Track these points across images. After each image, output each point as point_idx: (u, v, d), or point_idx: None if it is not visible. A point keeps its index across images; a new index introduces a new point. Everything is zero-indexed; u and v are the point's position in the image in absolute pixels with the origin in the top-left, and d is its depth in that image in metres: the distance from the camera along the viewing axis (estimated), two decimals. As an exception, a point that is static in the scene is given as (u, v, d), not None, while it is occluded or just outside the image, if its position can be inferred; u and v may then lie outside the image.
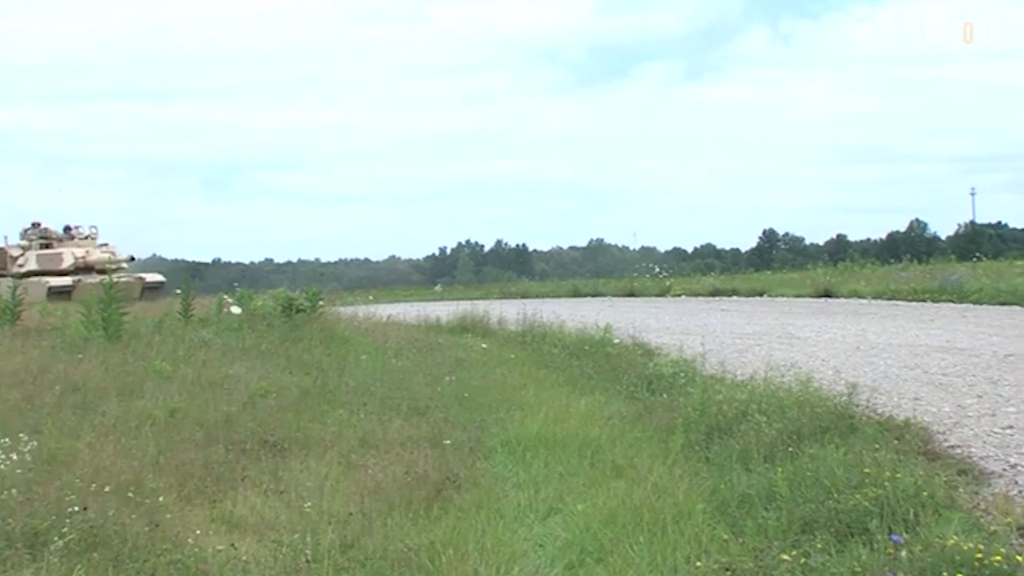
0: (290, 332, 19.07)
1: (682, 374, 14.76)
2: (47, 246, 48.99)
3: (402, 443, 11.04)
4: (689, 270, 66.63)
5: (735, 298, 35.22)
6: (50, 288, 44.20)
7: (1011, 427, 10.73)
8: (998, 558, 6.23)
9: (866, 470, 8.33)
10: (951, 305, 26.18)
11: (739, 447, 10.04)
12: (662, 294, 40.09)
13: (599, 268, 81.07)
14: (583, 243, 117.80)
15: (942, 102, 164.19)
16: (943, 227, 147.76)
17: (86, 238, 50.30)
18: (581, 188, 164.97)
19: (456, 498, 9.15)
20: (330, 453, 10.60)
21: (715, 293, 37.76)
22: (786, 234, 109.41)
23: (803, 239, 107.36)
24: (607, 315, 26.02)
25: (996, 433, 10.54)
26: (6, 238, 50.24)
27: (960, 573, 6.11)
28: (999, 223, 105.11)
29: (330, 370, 15.48)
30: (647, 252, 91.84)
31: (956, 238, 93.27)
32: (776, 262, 70.35)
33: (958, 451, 9.90)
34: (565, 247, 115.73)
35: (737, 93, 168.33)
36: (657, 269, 47.78)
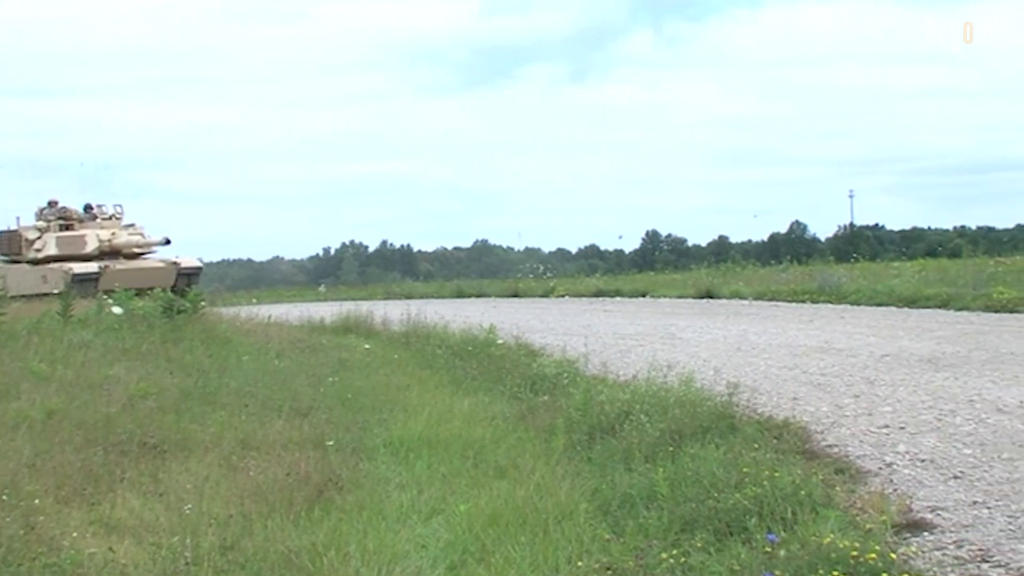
0: (171, 333, 18.84)
1: (565, 374, 14.81)
2: (67, 227, 43.00)
3: (284, 444, 10.96)
4: (573, 271, 66.99)
5: (618, 299, 35.44)
6: (74, 276, 38.77)
7: (887, 426, 10.91)
8: (873, 556, 6.33)
9: (745, 469, 8.44)
10: (830, 306, 26.56)
11: (621, 447, 10.11)
12: (546, 295, 40.22)
13: (484, 269, 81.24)
14: (468, 244, 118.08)
15: (822, 105, 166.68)
16: (823, 229, 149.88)
17: (110, 218, 44.32)
18: (466, 189, 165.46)
19: (338, 499, 9.10)
20: (210, 455, 10.49)
21: (599, 294, 37.94)
22: (669, 235, 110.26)
23: (686, 240, 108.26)
24: (491, 316, 26.07)
25: (872, 432, 10.72)
26: (18, 219, 44.23)
27: (836, 570, 6.20)
28: (876, 225, 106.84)
29: (211, 371, 15.32)
30: (532, 253, 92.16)
31: (835, 240, 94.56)
32: (659, 263, 70.81)
33: (835, 450, 10.05)
34: (450, 248, 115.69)
35: (621, 95, 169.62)
36: (542, 269, 47.91)
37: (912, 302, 24.85)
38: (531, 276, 46.56)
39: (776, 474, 8.20)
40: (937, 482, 8.72)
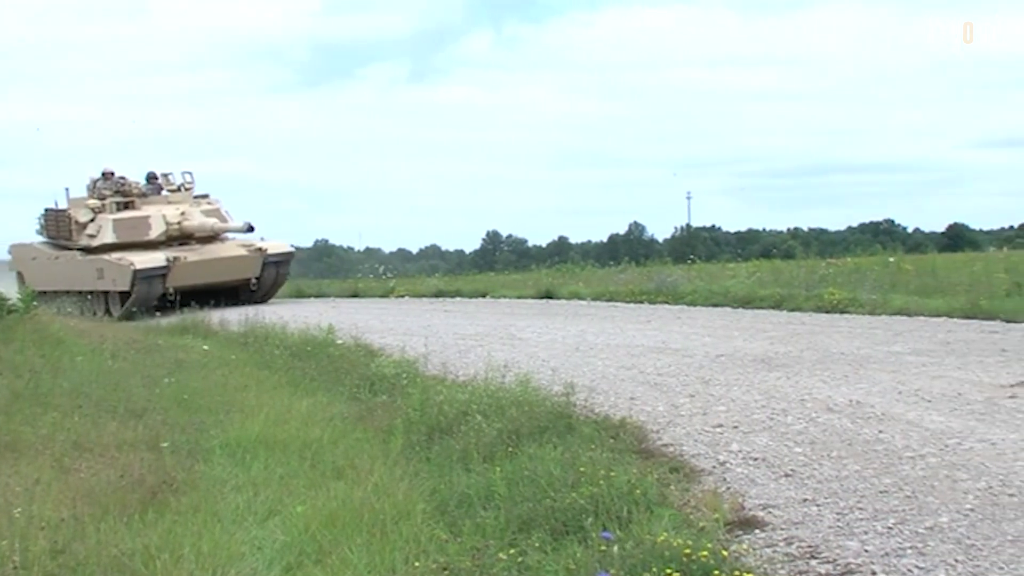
0: (1, 333, 18.41)
1: (404, 375, 14.79)
2: (126, 205, 34.82)
3: (117, 446, 10.78)
4: (414, 271, 66.82)
5: (459, 299, 35.42)
6: (136, 272, 31.76)
7: (721, 425, 11.08)
8: (705, 553, 6.43)
9: (582, 469, 8.51)
10: (667, 306, 26.85)
11: (459, 447, 10.13)
12: (386, 295, 40.04)
13: (325, 269, 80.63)
14: (309, 244, 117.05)
15: (660, 107, 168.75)
16: (661, 230, 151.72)
17: (178, 189, 36.26)
18: (306, 188, 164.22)
19: (173, 502, 8.98)
20: (42, 457, 10.27)
21: (439, 294, 37.89)
22: (509, 236, 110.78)
23: (526, 241, 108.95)
24: (331, 316, 25.91)
25: (707, 431, 10.88)
26: (68, 191, 36.22)
27: (669, 568, 6.29)
28: (713, 226, 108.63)
29: (43, 372, 14.99)
30: (372, 253, 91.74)
31: (673, 241, 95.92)
32: (500, 263, 71.09)
33: (671, 449, 10.19)
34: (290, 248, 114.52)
35: (461, 95, 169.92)
36: (382, 269, 47.72)
37: (747, 303, 25.24)
38: (371, 276, 46.36)
39: (612, 473, 8.29)
40: (769, 480, 8.88)
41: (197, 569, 7.22)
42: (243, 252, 34.19)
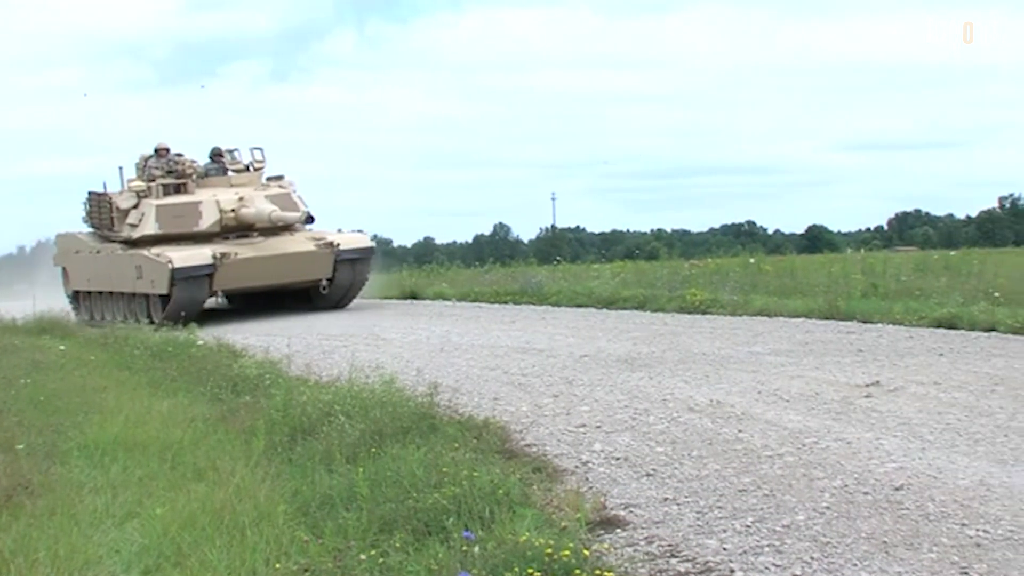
0: None
1: (267, 375, 14.67)
2: (178, 188, 28.97)
3: (-29, 449, 10.55)
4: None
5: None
6: (174, 272, 26.30)
7: (584, 425, 11.14)
8: (566, 553, 6.46)
9: (445, 469, 8.51)
10: (531, 307, 26.95)
11: (322, 448, 10.07)
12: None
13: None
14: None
15: (525, 108, 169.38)
16: (526, 231, 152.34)
17: (245, 169, 30.41)
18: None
19: (28, 504, 8.81)
20: None
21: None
22: (374, 236, 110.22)
23: (391, 241, 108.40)
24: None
25: (570, 431, 10.93)
26: (121, 170, 30.29)
27: (531, 568, 6.30)
28: (578, 227, 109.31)
29: None
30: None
31: (538, 241, 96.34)
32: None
33: (534, 449, 10.22)
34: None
35: (326, 95, 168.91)
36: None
37: (611, 303, 25.43)
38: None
39: (475, 473, 8.30)
40: (631, 480, 8.95)
41: (53, 573, 7.09)
42: (310, 248, 28.19)
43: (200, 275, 26.56)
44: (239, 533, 7.72)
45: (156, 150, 29.59)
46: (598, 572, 6.38)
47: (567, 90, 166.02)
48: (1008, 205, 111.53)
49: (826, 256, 42.48)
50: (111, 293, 29.76)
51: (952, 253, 34.58)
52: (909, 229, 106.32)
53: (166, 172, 29.21)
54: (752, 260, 33.71)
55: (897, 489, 8.02)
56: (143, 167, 29.68)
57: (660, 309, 23.87)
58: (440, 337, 20.50)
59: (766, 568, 6.59)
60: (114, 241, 29.68)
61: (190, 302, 26.72)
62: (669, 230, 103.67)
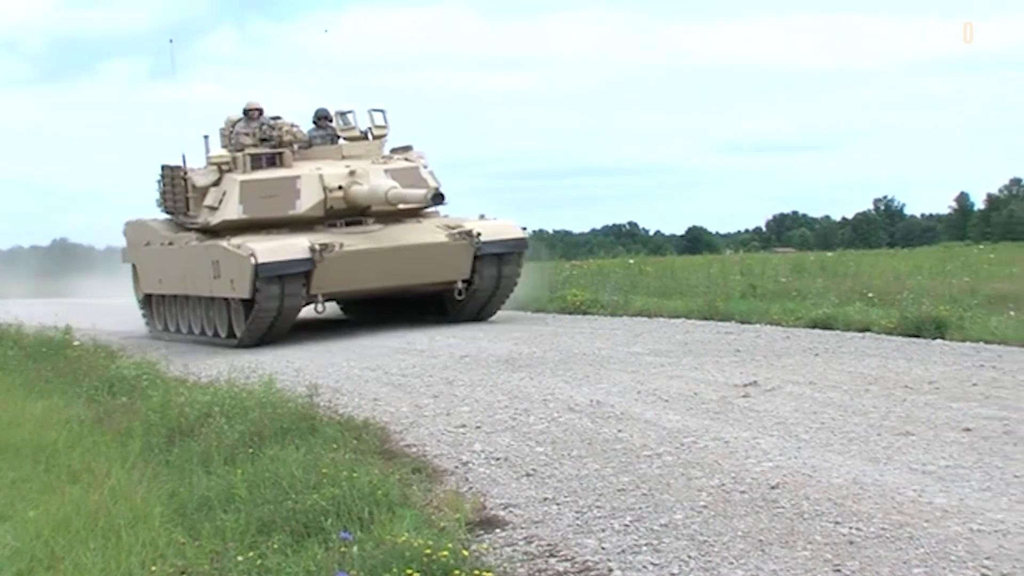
0: None
1: (145, 376, 14.52)
2: (272, 160, 22.24)
3: None
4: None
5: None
6: (257, 269, 19.64)
7: (464, 425, 11.15)
8: (445, 553, 6.46)
9: (324, 470, 8.50)
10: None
11: (200, 449, 10.00)
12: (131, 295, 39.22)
13: (65, 268, 78.29)
14: (47, 243, 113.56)
15: (406, 108, 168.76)
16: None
17: (363, 136, 23.28)
18: (41, 185, 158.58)
19: None
20: None
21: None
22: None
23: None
24: (69, 316, 25.19)
25: (450, 432, 10.93)
26: (207, 140, 23.63)
27: (410, 568, 6.30)
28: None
29: None
30: (114, 251, 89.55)
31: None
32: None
33: (414, 450, 10.22)
34: (27, 247, 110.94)
35: (206, 93, 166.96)
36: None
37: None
38: (115, 275, 45.24)
39: (354, 474, 8.29)
40: (511, 480, 8.97)
41: (-79, 578, 6.95)
42: (441, 238, 21.28)
43: (293, 274, 19.88)
44: (114, 535, 7.62)
45: (245, 111, 23.24)
46: (477, 572, 6.39)
47: (449, 90, 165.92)
48: (883, 207, 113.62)
49: (705, 257, 42.86)
50: (187, 297, 23.27)
51: (828, 254, 35.14)
52: (787, 231, 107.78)
53: (258, 140, 22.70)
54: (632, 261, 33.95)
55: (773, 488, 8.12)
56: (229, 133, 23.30)
57: (541, 309, 23.97)
58: (321, 337, 20.41)
59: (644, 567, 6.64)
60: (190, 229, 23.12)
61: (280, 310, 20.20)
62: (551, 230, 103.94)
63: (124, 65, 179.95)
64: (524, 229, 22.10)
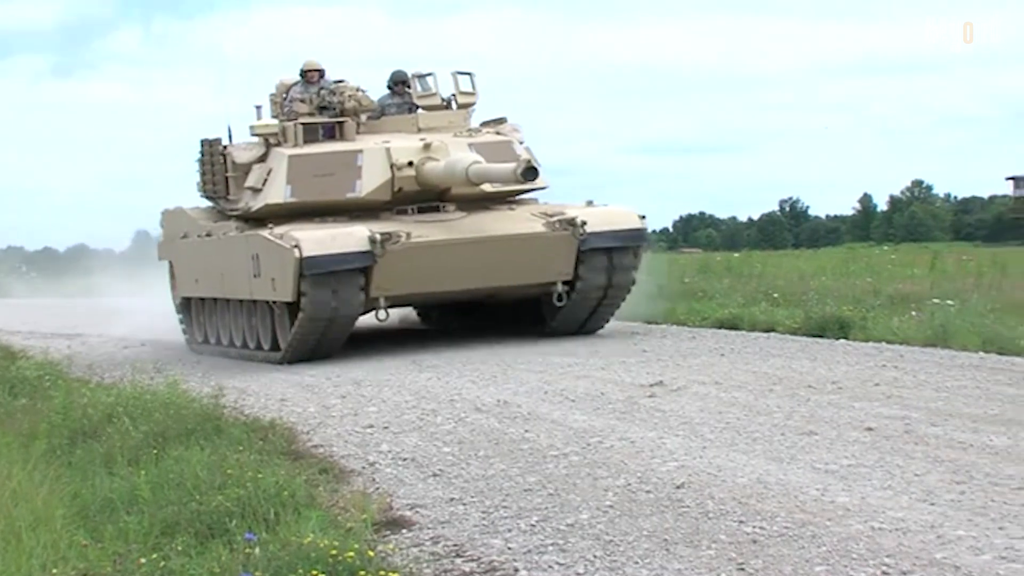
0: None
1: (47, 377, 14.33)
2: (331, 131, 18.47)
3: None
4: (63, 270, 64.69)
5: (106, 298, 34.56)
6: (303, 264, 16.09)
7: (371, 426, 11.13)
8: (351, 554, 6.44)
9: (229, 471, 8.44)
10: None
11: (103, 451, 9.91)
12: (33, 295, 38.81)
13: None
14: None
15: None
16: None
17: (447, 104, 19.28)
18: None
19: None
20: None
21: (88, 293, 36.94)
22: (159, 236, 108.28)
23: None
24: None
25: (357, 432, 10.91)
26: (259, 110, 19.12)
27: (315, 569, 6.27)
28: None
29: None
30: (14, 252, 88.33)
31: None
32: (153, 262, 69.46)
33: (321, 450, 10.19)
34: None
35: (110, 91, 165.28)
36: (24, 268, 46.14)
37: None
38: (13, 276, 44.75)
39: (260, 475, 8.24)
40: (417, 480, 8.97)
41: None
42: (536, 228, 17.45)
43: (347, 271, 16.20)
44: (15, 538, 7.50)
45: (303, 73, 19.26)
46: (383, 573, 6.37)
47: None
48: (788, 208, 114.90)
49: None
50: (227, 301, 19.37)
51: (734, 255, 35.48)
52: (693, 231, 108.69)
53: (316, 107, 18.66)
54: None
55: (679, 487, 8.17)
56: (281, 101, 19.26)
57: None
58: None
59: (550, 567, 6.66)
60: (231, 216, 19.26)
61: (332, 318, 16.50)
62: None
63: (26, 63, 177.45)
64: (643, 218, 18.02)
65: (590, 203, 18.10)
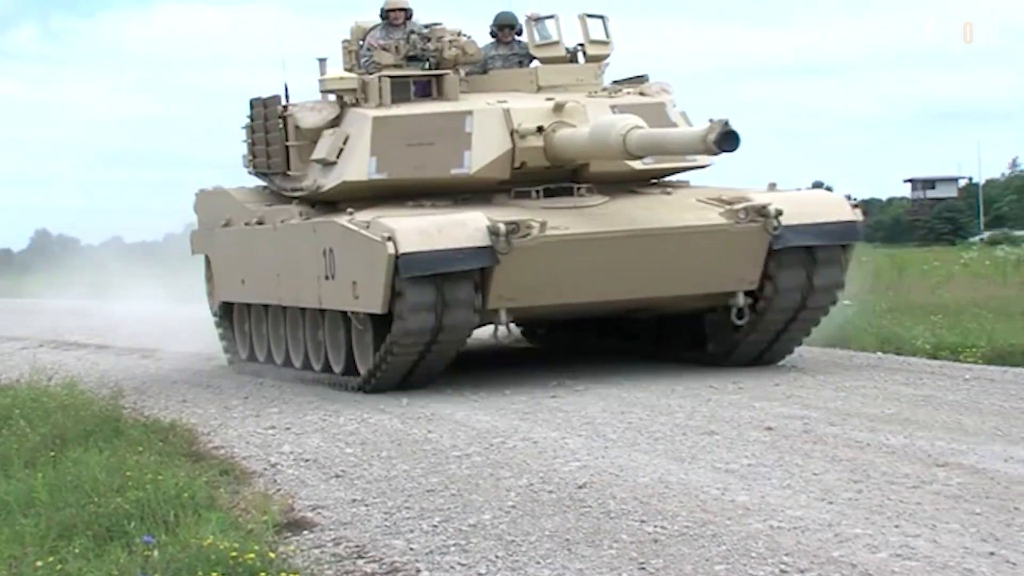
0: None
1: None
2: (426, 87, 14.15)
3: None
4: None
5: (3, 299, 34.13)
6: (401, 260, 11.89)
7: (273, 427, 11.08)
8: (252, 556, 6.38)
9: (129, 473, 8.35)
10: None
11: (-1, 453, 9.76)
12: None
13: None
14: None
15: (217, 107, 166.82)
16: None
17: (570, 56, 15.04)
18: None
19: None
20: None
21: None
22: (60, 235, 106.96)
23: (79, 240, 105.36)
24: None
25: (259, 433, 10.86)
26: (322, 63, 14.78)
27: (215, 571, 6.21)
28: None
29: None
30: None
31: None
32: (50, 263, 68.64)
33: (222, 451, 10.13)
34: None
35: (5, 89, 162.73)
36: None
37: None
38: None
39: (160, 477, 8.16)
40: (320, 481, 8.93)
41: None
42: (714, 219, 13.23)
43: (459, 273, 12.25)
44: (-95, 542, 7.38)
45: (384, 13, 15.03)
46: (283, 574, 6.33)
47: (262, 89, 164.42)
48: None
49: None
50: (283, 309, 15.14)
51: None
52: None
53: (404, 57, 14.40)
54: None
55: (580, 487, 8.20)
56: (357, 49, 15.16)
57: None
58: (128, 338, 20.13)
59: (452, 567, 6.65)
60: (291, 198, 15.04)
61: (435, 337, 12.51)
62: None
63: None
64: (855, 206, 13.58)
65: (773, 186, 13.70)
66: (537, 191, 13.31)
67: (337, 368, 13.77)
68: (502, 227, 12.02)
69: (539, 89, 14.38)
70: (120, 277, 35.50)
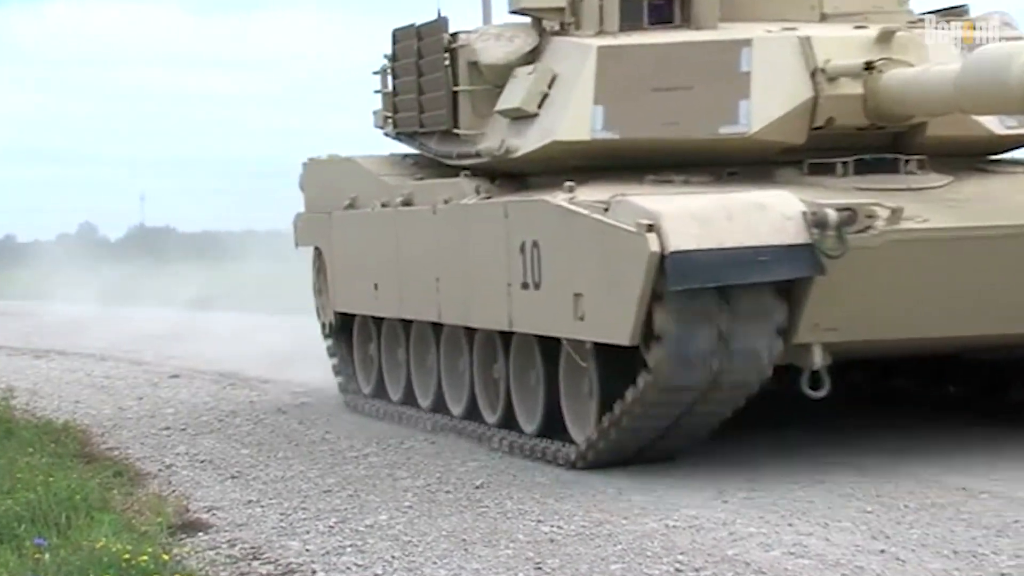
0: None
1: None
2: (665, 8, 9.82)
3: None
4: None
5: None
6: (671, 263, 7.36)
7: (168, 428, 11.00)
8: (145, 558, 6.31)
9: (19, 475, 8.24)
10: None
11: None
12: None
13: None
14: None
15: (112, 105, 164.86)
16: (114, 230, 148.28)
17: None
18: None
19: None
20: None
21: None
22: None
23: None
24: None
25: (154, 434, 10.78)
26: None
27: (108, 573, 6.14)
28: (168, 226, 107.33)
29: None
30: None
31: (126, 240, 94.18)
32: None
33: (116, 453, 10.04)
34: None
35: None
36: None
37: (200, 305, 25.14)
38: None
39: (52, 479, 8.06)
40: (215, 482, 8.88)
41: None
42: None
43: (758, 286, 7.79)
44: None
45: None
46: (177, 576, 6.29)
47: (156, 88, 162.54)
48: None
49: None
50: (435, 329, 10.90)
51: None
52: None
53: None
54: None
55: (478, 487, 8.22)
56: None
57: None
58: (20, 339, 19.89)
59: (347, 568, 6.62)
60: (456, 168, 10.75)
61: (720, 382, 8.02)
62: (262, 230, 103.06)
63: None
64: None
65: None
66: (844, 164, 9.08)
67: (529, 426, 9.51)
68: (832, 215, 7.69)
69: (823, 17, 10.13)
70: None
